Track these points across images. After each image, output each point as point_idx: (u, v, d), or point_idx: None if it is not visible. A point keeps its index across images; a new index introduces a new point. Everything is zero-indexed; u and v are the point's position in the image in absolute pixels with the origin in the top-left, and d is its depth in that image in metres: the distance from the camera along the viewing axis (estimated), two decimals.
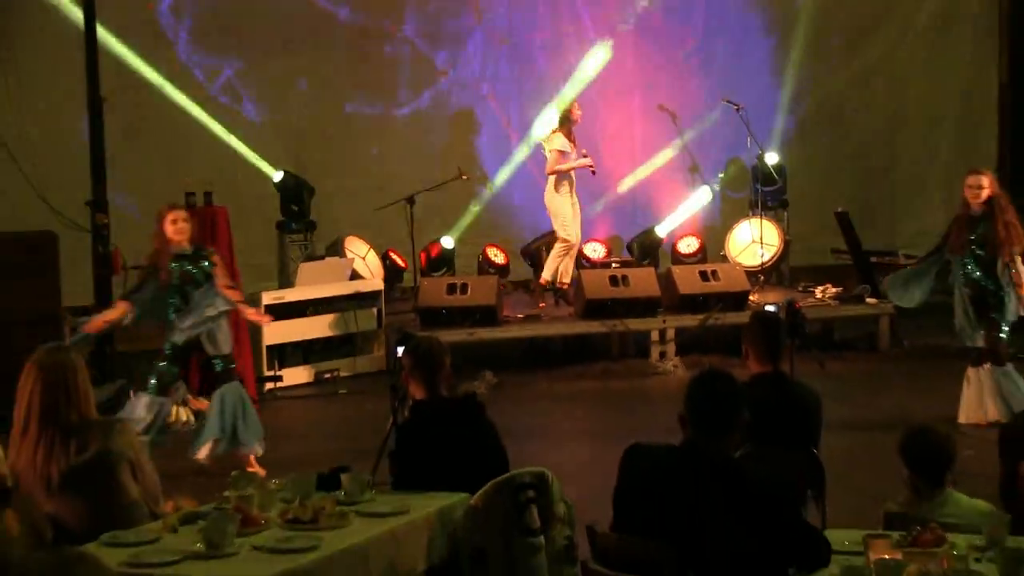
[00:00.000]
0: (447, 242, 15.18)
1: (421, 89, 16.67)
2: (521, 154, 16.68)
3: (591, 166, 14.27)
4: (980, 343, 10.54)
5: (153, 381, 9.80)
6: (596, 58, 16.67)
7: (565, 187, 14.22)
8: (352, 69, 16.54)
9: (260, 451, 9.78)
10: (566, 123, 14.19)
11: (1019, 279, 10.37)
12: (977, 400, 10.48)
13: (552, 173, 14.12)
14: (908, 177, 17.33)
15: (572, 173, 14.25)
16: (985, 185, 10.55)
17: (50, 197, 13.44)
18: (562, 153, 14.07)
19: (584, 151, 14.22)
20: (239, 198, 14.13)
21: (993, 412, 10.22)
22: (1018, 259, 10.39)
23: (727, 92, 15.74)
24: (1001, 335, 10.58)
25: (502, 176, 16.63)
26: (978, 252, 10.48)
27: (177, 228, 9.53)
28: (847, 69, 17.36)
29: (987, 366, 10.50)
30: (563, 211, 14.28)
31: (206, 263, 9.67)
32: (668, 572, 4.92)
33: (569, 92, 16.04)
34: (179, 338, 9.66)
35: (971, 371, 10.56)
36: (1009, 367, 10.56)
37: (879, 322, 14.37)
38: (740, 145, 15.58)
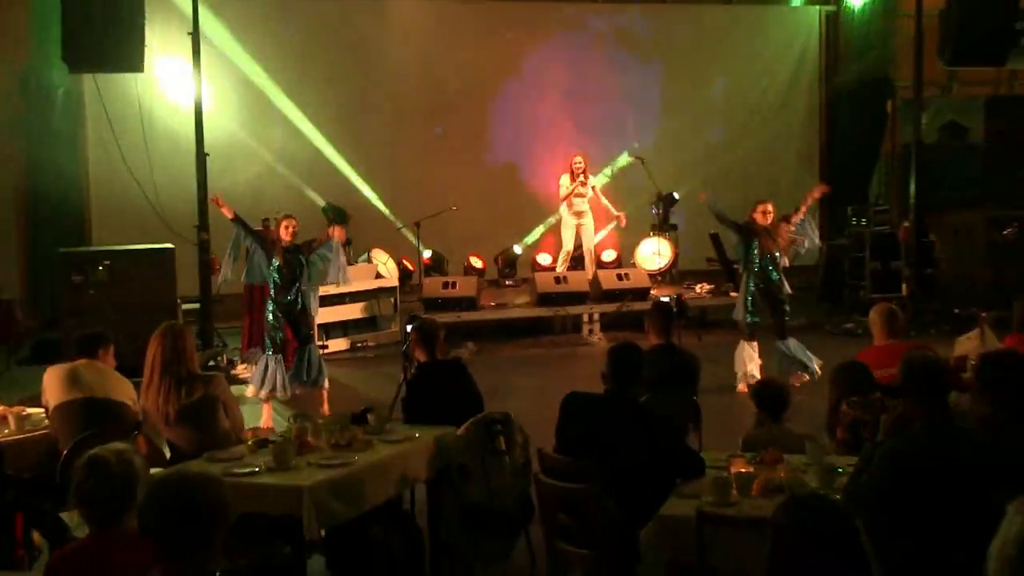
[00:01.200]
0: (427, 253, 15.10)
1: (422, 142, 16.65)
2: (499, 192, 16.70)
3: (581, 185, 14.30)
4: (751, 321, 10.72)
5: (268, 343, 9.79)
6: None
7: (568, 215, 14.41)
8: (379, 138, 16.49)
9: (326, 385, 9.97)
10: (568, 170, 14.26)
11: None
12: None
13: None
14: (754, 202, 17.32)
15: (579, 206, 14.31)
16: (771, 210, 10.80)
17: (170, 221, 13.37)
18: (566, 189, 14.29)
19: (582, 180, 14.22)
20: (300, 222, 14.08)
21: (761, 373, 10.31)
22: (786, 257, 10.86)
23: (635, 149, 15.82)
24: (787, 316, 10.76)
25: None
26: (776, 257, 10.67)
27: (288, 232, 9.74)
28: (722, 135, 17.37)
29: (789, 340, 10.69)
30: (564, 230, 14.58)
31: (300, 255, 9.82)
32: (592, 482, 4.94)
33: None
34: (281, 302, 9.80)
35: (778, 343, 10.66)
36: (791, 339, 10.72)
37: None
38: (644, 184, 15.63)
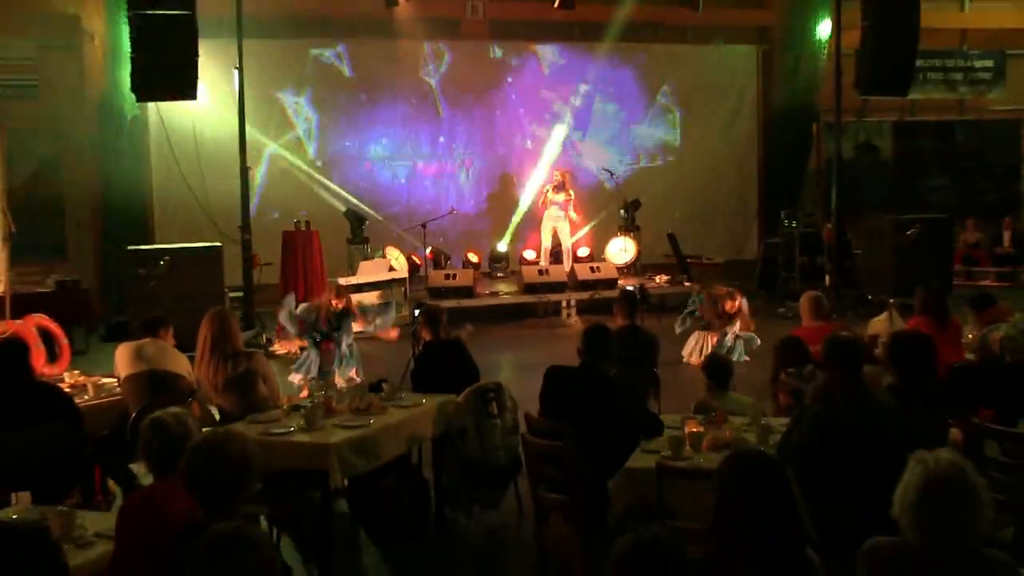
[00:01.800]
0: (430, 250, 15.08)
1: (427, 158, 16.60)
2: (492, 201, 16.67)
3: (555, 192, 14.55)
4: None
5: (310, 344, 9.58)
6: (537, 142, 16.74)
7: (547, 217, 14.72)
8: (392, 153, 16.43)
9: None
10: (551, 181, 14.58)
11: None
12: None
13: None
14: (706, 215, 17.37)
15: (553, 209, 14.59)
16: (738, 304, 10.74)
17: (218, 223, 13.36)
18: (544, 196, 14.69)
19: (551, 189, 14.47)
20: (326, 225, 14.11)
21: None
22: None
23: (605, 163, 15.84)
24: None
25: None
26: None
27: (337, 303, 9.40)
28: (678, 152, 17.39)
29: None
30: (544, 229, 14.89)
31: (345, 319, 9.52)
32: (567, 441, 4.94)
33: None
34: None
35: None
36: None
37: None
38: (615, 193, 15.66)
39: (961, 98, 18.67)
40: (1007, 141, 18.61)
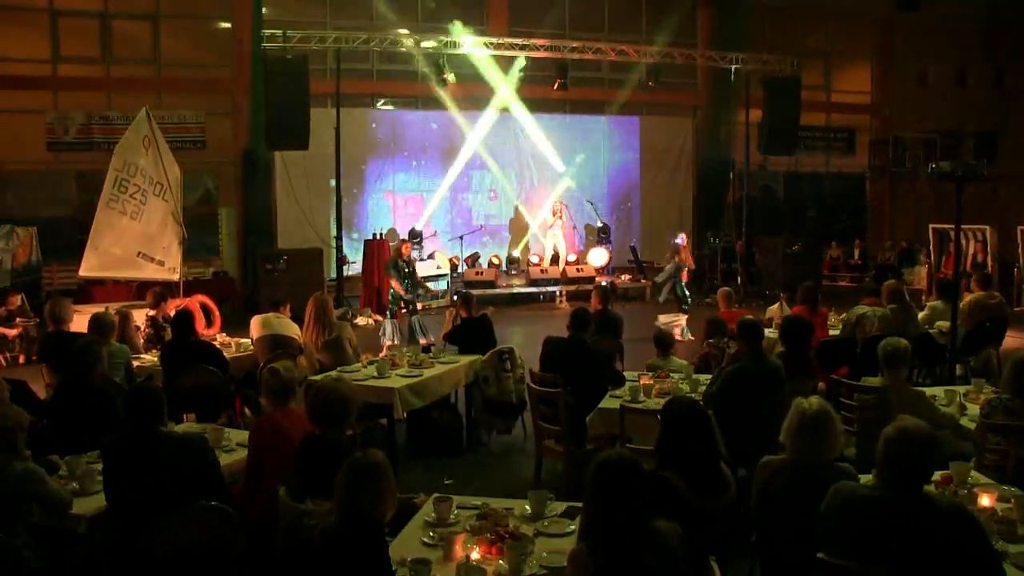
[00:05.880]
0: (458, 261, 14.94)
1: (464, 191, 16.46)
2: (508, 222, 16.55)
3: (556, 217, 14.78)
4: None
5: (390, 314, 9.56)
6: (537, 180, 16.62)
7: (550, 234, 14.88)
8: (436, 184, 16.30)
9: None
10: (551, 209, 14.78)
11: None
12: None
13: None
14: (656, 234, 17.08)
15: (555, 229, 14.79)
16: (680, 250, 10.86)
17: (320, 233, 13.33)
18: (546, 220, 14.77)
19: (555, 214, 14.73)
20: (392, 237, 14.05)
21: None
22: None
23: (589, 196, 15.70)
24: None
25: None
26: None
27: (407, 251, 9.58)
28: (640, 190, 17.21)
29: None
30: (547, 242, 14.90)
31: (408, 268, 9.58)
32: (558, 389, 4.92)
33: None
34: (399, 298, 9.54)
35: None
36: None
37: (647, 290, 14.34)
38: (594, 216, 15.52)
39: (827, 158, 18.76)
40: (856, 188, 18.84)
